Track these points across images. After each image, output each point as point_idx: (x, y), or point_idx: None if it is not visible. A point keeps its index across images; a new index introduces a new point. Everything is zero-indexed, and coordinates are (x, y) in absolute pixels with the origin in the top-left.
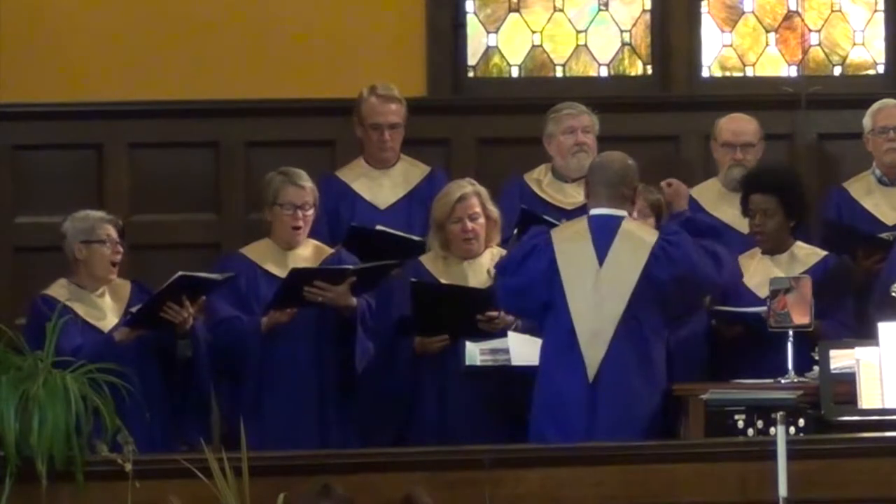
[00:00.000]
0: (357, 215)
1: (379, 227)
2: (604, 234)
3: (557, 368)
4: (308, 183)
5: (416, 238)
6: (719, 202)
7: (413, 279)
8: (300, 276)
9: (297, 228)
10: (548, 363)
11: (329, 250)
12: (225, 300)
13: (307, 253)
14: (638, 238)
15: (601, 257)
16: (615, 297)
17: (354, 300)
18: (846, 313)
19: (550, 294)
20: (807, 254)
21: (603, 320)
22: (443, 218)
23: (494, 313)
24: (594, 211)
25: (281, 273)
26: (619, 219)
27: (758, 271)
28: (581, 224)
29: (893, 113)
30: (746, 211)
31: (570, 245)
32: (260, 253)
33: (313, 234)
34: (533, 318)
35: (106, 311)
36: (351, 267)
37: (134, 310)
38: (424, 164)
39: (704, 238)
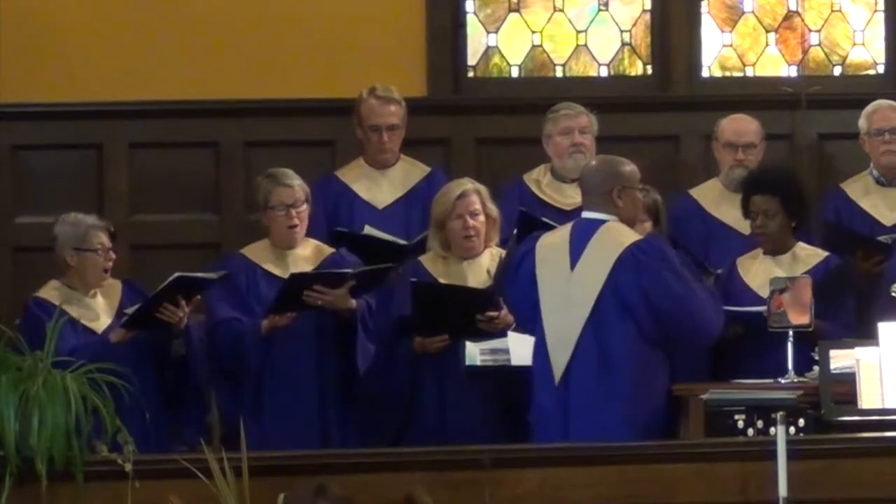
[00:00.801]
0: (355, 215)
1: (365, 232)
2: (582, 237)
3: (537, 372)
4: (296, 181)
5: (402, 242)
6: (720, 202)
7: (413, 279)
8: (299, 281)
9: (294, 227)
10: (534, 367)
11: (329, 250)
12: (225, 301)
13: (307, 253)
14: (611, 241)
15: (574, 261)
16: (582, 301)
17: (354, 303)
18: (847, 313)
19: (535, 298)
20: (808, 254)
21: (569, 324)
22: (443, 216)
23: (494, 313)
24: (583, 214)
25: (281, 273)
26: (602, 222)
27: (759, 272)
28: (565, 228)
29: (889, 115)
30: (747, 212)
31: (549, 249)
32: (260, 253)
33: (311, 233)
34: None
35: (99, 312)
36: (350, 271)
37: (130, 311)
38: (424, 164)
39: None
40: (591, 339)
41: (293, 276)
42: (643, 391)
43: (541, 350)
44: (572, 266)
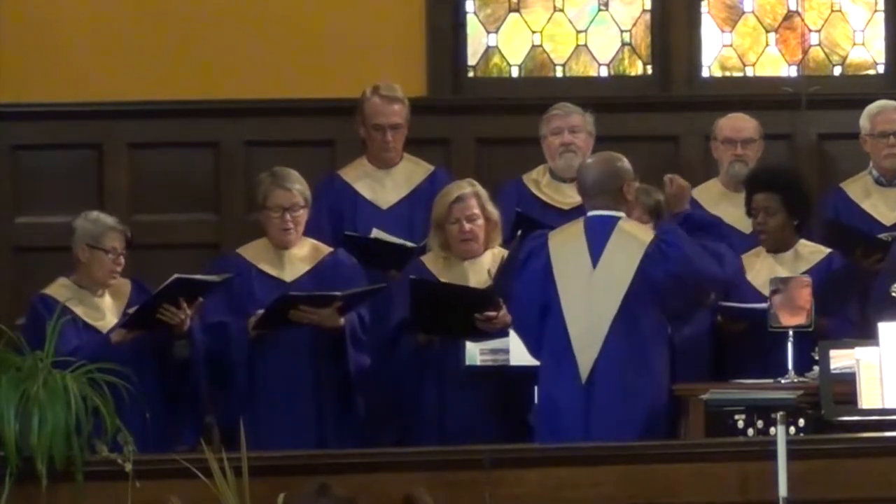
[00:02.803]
0: (358, 215)
1: (373, 236)
2: (599, 235)
3: (553, 370)
4: (296, 185)
5: (410, 244)
6: (720, 202)
7: (412, 276)
8: (287, 302)
9: (287, 230)
10: (545, 366)
11: (327, 249)
12: (218, 301)
13: (304, 252)
14: (632, 238)
15: (595, 258)
16: (609, 298)
17: (342, 321)
18: (851, 311)
19: (546, 296)
20: (811, 251)
21: (596, 321)
22: (441, 218)
23: (493, 313)
24: (591, 212)
25: (277, 273)
26: (615, 219)
27: (762, 270)
28: (577, 226)
29: (894, 117)
30: (750, 210)
31: (565, 247)
32: (256, 253)
33: (314, 234)
34: (531, 332)
35: (105, 311)
36: (339, 294)
37: (130, 311)
38: (426, 163)
39: (704, 233)
40: (618, 336)
41: (281, 297)
42: (661, 386)
43: (558, 348)
44: (594, 264)
